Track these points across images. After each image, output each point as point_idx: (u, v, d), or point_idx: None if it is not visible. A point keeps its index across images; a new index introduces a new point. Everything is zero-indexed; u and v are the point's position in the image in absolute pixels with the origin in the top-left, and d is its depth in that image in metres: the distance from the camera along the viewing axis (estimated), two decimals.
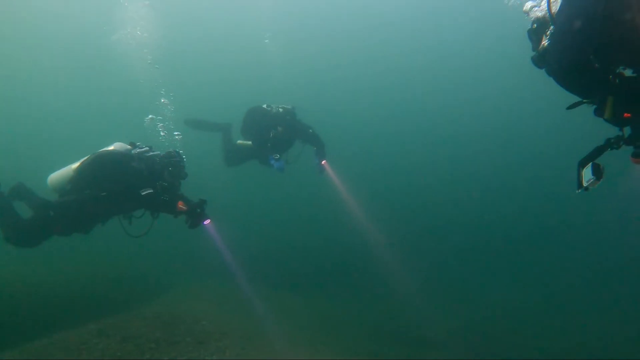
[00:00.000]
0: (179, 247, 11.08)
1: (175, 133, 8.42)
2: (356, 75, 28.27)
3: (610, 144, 2.89)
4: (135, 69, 12.64)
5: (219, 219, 6.10)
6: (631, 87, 2.62)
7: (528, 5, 3.26)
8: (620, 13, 2.41)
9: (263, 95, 10.52)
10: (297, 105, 8.55)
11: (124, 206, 5.51)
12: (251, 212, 17.02)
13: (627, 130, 2.85)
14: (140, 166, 5.50)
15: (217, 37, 27.16)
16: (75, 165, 5.46)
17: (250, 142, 8.59)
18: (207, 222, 5.63)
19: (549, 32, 3.10)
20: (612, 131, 2.93)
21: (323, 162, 8.60)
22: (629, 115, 2.63)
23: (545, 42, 3.12)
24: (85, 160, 5.44)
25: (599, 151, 2.92)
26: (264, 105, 8.43)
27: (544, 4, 3.08)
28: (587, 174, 2.87)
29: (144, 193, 5.32)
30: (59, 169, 5.63)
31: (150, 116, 8.86)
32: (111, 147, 5.67)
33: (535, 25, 3.19)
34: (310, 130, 8.51)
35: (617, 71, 2.67)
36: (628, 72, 2.67)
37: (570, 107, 3.02)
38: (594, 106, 2.85)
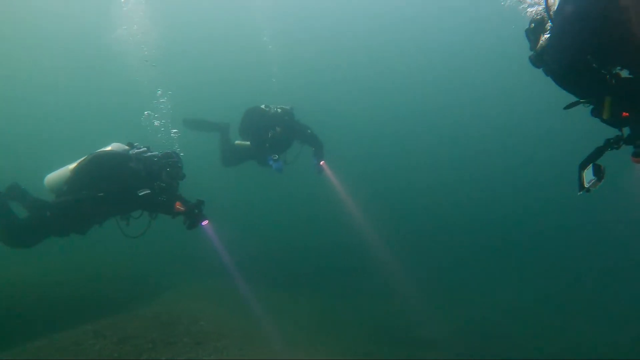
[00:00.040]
0: (177, 247, 11.06)
1: (173, 130, 8.39)
2: (355, 75, 28.28)
3: (610, 144, 2.88)
4: (133, 67, 12.63)
5: (217, 220, 6.08)
6: (629, 88, 2.61)
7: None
8: (618, 14, 2.41)
9: (261, 96, 10.50)
10: (296, 106, 8.53)
11: (121, 207, 5.49)
12: (249, 212, 17.01)
13: (626, 130, 2.84)
14: (137, 167, 5.48)
15: (216, 37, 27.17)
16: (73, 165, 5.44)
17: (248, 143, 8.57)
18: (205, 222, 5.60)
19: (547, 32, 3.09)
20: (611, 132, 2.92)
21: (321, 162, 8.59)
22: (627, 114, 2.63)
23: (543, 41, 3.11)
24: (82, 160, 5.42)
25: (598, 152, 2.91)
26: (262, 106, 8.42)
27: (542, 4, 3.07)
28: (588, 175, 2.86)
29: (141, 194, 5.30)
30: (56, 169, 5.61)
31: (146, 112, 8.84)
32: (109, 148, 5.65)
33: (533, 24, 3.19)
34: (309, 131, 8.50)
35: (614, 72, 2.66)
36: (624, 73, 2.67)
37: (567, 107, 3.01)
38: (591, 106, 2.84)
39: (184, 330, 5.93)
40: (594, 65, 2.63)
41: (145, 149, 5.76)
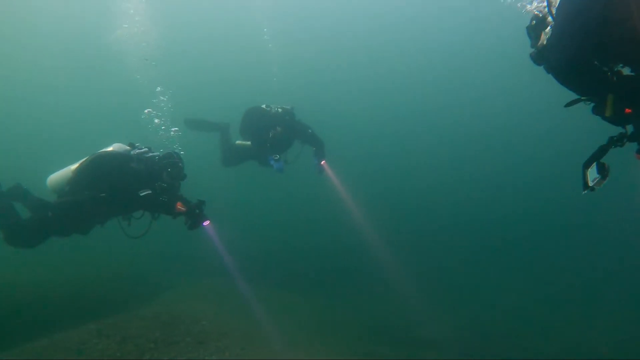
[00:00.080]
0: (178, 247, 11.07)
1: (173, 129, 8.39)
2: (356, 75, 28.29)
3: (614, 141, 2.85)
4: (133, 67, 12.64)
5: (218, 220, 6.09)
6: (631, 85, 2.60)
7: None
8: (619, 12, 2.40)
9: (261, 95, 10.51)
10: (296, 106, 8.53)
11: (122, 207, 5.51)
12: (250, 212, 17.03)
13: (629, 128, 2.83)
14: (139, 167, 5.49)
15: (216, 37, 27.16)
16: (75, 166, 5.46)
17: (249, 143, 8.57)
18: (206, 223, 5.61)
19: (548, 29, 3.08)
20: (612, 131, 2.91)
21: (322, 162, 8.58)
22: (629, 110, 2.62)
23: (544, 38, 3.11)
24: (84, 161, 5.44)
25: (602, 151, 2.88)
26: (263, 105, 8.41)
27: (543, 1, 3.07)
28: (592, 173, 2.84)
29: (143, 194, 5.31)
30: (58, 169, 5.63)
31: (147, 110, 8.84)
32: (110, 148, 5.67)
33: (534, 21, 3.17)
34: (310, 131, 8.48)
35: (616, 69, 2.66)
36: (626, 71, 2.66)
37: (568, 105, 3.00)
38: (592, 104, 2.84)
39: (186, 330, 5.95)
40: (596, 62, 2.62)
41: (147, 149, 5.77)
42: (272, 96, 9.83)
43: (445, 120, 26.29)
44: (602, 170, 2.80)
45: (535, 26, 3.16)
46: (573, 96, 2.93)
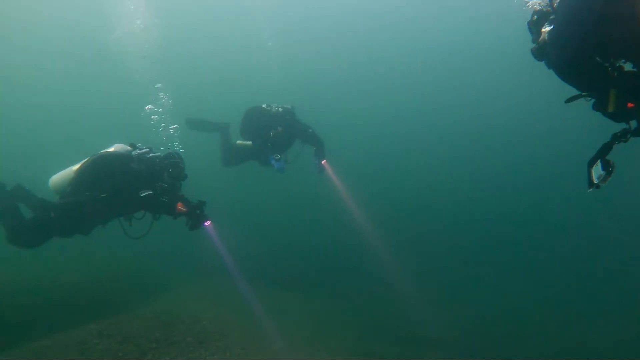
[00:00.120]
0: (178, 247, 11.07)
1: (172, 126, 8.40)
2: (356, 75, 28.28)
3: (617, 137, 2.84)
4: (133, 66, 12.66)
5: (218, 220, 6.09)
6: (633, 79, 2.59)
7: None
8: (621, 7, 2.40)
9: (261, 95, 10.52)
10: (297, 105, 8.53)
11: (123, 208, 5.51)
12: (251, 212, 17.02)
13: (633, 123, 2.82)
14: (140, 167, 5.50)
15: (216, 36, 27.16)
16: (76, 167, 5.47)
17: (249, 142, 8.56)
18: (207, 223, 5.62)
19: (549, 24, 3.08)
20: (613, 128, 2.90)
21: (323, 162, 8.58)
22: (632, 105, 2.61)
23: (545, 34, 3.10)
24: (85, 161, 5.45)
25: (606, 147, 2.86)
26: (264, 105, 8.41)
27: None
28: (596, 170, 2.83)
29: (143, 194, 5.32)
30: (59, 170, 5.64)
31: (148, 107, 8.86)
32: (111, 149, 5.67)
33: (535, 17, 3.16)
34: (310, 130, 8.48)
35: (618, 65, 2.65)
36: (628, 66, 2.65)
37: (568, 101, 2.99)
38: (593, 100, 2.83)
39: (186, 330, 5.96)
40: (597, 58, 2.60)
41: (148, 149, 5.78)
42: (271, 96, 9.84)
43: (445, 120, 26.29)
44: (607, 167, 2.79)
45: (537, 21, 3.15)
46: (573, 91, 2.93)
